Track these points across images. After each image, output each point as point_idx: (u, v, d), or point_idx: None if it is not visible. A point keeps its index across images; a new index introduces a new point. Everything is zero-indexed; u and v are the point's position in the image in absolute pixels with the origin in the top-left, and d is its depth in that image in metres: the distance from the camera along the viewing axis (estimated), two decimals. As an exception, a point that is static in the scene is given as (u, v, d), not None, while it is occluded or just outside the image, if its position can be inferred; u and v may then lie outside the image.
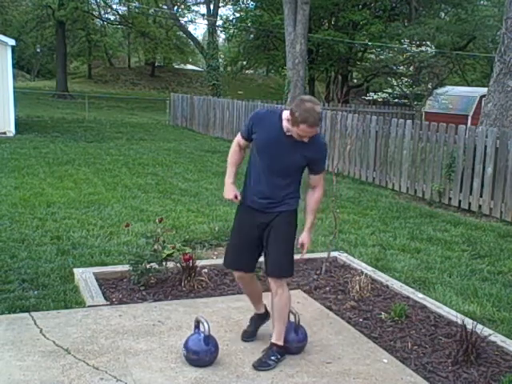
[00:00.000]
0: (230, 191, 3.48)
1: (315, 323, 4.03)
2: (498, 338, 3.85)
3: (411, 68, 19.17)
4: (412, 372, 3.43)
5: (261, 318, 3.80)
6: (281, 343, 3.47)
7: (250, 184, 3.46)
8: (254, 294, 3.74)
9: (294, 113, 3.16)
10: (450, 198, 8.68)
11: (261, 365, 3.38)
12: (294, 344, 3.58)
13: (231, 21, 36.76)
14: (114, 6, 40.71)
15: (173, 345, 3.60)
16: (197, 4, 43.34)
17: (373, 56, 24.53)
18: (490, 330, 3.98)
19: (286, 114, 3.31)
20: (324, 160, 3.45)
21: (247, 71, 43.68)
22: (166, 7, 36.35)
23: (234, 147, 3.58)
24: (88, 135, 15.93)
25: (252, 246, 3.48)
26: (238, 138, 3.55)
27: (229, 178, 3.52)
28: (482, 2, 31.02)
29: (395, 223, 7.32)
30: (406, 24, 29.91)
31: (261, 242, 3.47)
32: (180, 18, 39.55)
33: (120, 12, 41.14)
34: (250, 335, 3.75)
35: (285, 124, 3.31)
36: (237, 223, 3.58)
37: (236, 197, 3.47)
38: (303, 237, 3.49)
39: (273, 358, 3.42)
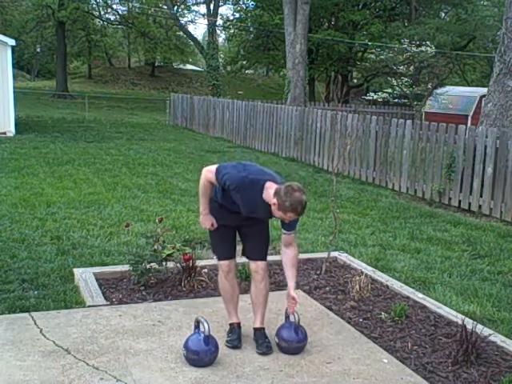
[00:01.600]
0: (207, 221, 3.63)
1: (315, 323, 4.03)
2: (497, 338, 3.84)
3: (411, 68, 19.17)
4: (412, 372, 3.43)
5: (240, 326, 3.75)
6: (263, 326, 3.70)
7: (219, 195, 3.54)
8: (235, 294, 3.75)
9: (283, 202, 3.20)
10: (450, 198, 8.68)
11: (268, 347, 3.56)
12: (293, 344, 3.57)
13: (231, 21, 36.78)
14: (114, 6, 40.74)
15: (173, 345, 3.60)
16: (197, 4, 43.36)
17: (373, 56, 24.51)
18: (490, 329, 3.98)
19: (269, 193, 3.28)
20: (297, 221, 3.51)
21: (247, 71, 43.68)
22: (165, 7, 36.35)
23: (205, 183, 3.50)
24: (88, 135, 15.93)
25: (232, 232, 3.69)
26: (212, 178, 3.43)
27: (204, 210, 3.62)
28: (481, 2, 31.01)
29: (395, 223, 7.32)
30: (406, 24, 29.94)
31: (237, 229, 3.69)
32: (180, 18, 39.56)
33: (120, 12, 41.18)
34: (238, 344, 3.65)
35: (265, 195, 3.32)
36: (216, 217, 3.63)
37: (212, 225, 3.63)
38: (291, 295, 3.50)
39: (267, 339, 3.61)
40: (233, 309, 3.76)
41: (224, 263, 3.69)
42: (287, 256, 3.55)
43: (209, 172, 3.46)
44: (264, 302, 3.69)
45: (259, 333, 3.65)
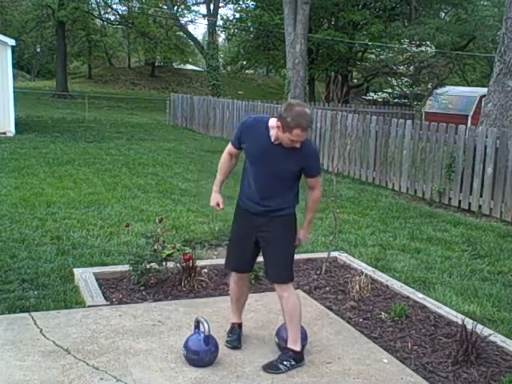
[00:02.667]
0: (213, 199, 3.58)
1: (315, 323, 4.03)
2: (497, 338, 3.85)
3: (411, 68, 19.17)
4: (412, 372, 3.43)
5: (240, 327, 3.74)
6: (296, 348, 3.39)
7: (245, 190, 3.46)
8: (243, 298, 3.69)
9: (284, 118, 3.10)
10: (450, 198, 8.68)
11: (270, 367, 3.34)
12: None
13: (231, 21, 36.78)
14: (114, 6, 40.75)
15: (173, 345, 3.60)
16: (197, 4, 43.36)
17: (373, 56, 24.51)
18: (490, 329, 3.98)
19: (272, 122, 3.27)
20: (317, 165, 3.40)
21: (247, 71, 43.69)
22: (166, 7, 36.36)
23: (224, 156, 3.59)
24: (88, 135, 15.93)
25: (250, 247, 3.47)
26: (229, 147, 3.55)
27: (215, 186, 3.61)
28: (481, 2, 31.01)
29: (395, 223, 7.32)
30: (406, 24, 29.93)
31: (258, 244, 3.45)
32: (180, 18, 39.56)
33: (120, 12, 41.20)
34: (237, 344, 3.62)
35: (272, 133, 3.26)
36: (235, 225, 3.57)
37: (218, 205, 3.55)
38: (299, 233, 3.49)
39: (285, 362, 3.35)
40: (236, 310, 3.73)
41: (234, 273, 3.61)
42: (307, 198, 3.45)
43: (228, 145, 3.56)
44: (289, 321, 3.39)
45: (284, 351, 3.44)
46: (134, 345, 3.59)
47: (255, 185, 3.38)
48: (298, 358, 3.40)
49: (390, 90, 19.88)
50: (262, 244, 3.42)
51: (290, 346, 3.40)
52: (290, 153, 3.25)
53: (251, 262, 3.56)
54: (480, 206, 8.17)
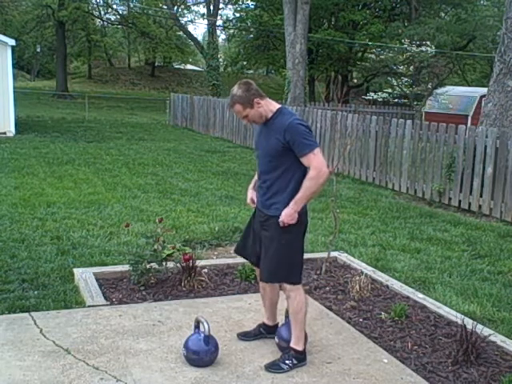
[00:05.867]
0: (248, 196, 3.62)
1: (315, 323, 4.03)
2: (497, 338, 3.85)
3: (411, 68, 19.18)
4: (412, 372, 3.43)
5: (266, 329, 3.74)
6: (298, 348, 3.40)
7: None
8: (266, 298, 3.65)
9: None
10: (449, 198, 8.68)
11: (272, 366, 3.35)
12: (293, 344, 3.57)
13: (231, 21, 36.78)
14: (115, 6, 40.74)
15: (173, 345, 3.60)
16: (197, 4, 43.38)
17: (373, 56, 24.53)
18: (490, 329, 3.98)
19: None
20: (300, 141, 3.19)
21: (247, 71, 43.68)
22: (166, 7, 36.37)
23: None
24: (88, 135, 15.93)
25: (255, 238, 3.50)
26: None
27: (249, 184, 3.67)
28: (481, 2, 31.03)
29: (395, 223, 7.32)
30: (406, 24, 29.93)
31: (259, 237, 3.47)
32: (180, 18, 39.57)
33: (120, 12, 41.19)
34: (246, 335, 3.73)
35: None
36: (251, 215, 3.66)
37: (253, 201, 3.57)
38: (285, 210, 3.29)
39: (287, 361, 3.35)
40: (264, 308, 3.75)
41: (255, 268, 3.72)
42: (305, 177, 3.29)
43: None
44: (293, 321, 3.39)
45: (286, 350, 3.43)
46: (134, 345, 3.59)
47: (258, 175, 3.48)
48: (300, 358, 3.40)
49: (390, 90, 19.90)
50: (262, 241, 3.41)
51: (292, 345, 3.41)
52: (273, 130, 3.29)
53: (254, 254, 3.51)
54: (480, 206, 8.17)
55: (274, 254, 3.31)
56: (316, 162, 3.18)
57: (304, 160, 3.22)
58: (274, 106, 3.38)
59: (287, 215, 3.24)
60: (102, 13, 42.45)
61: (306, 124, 3.30)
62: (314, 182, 3.19)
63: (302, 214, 3.32)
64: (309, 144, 3.20)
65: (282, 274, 3.34)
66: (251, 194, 3.59)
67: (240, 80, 3.39)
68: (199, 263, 4.83)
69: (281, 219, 3.26)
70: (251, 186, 3.64)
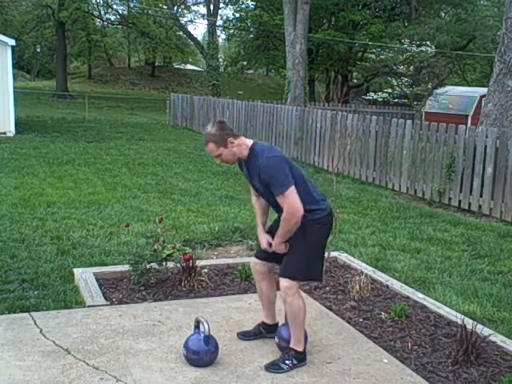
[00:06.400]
0: (263, 241, 3.49)
1: (315, 323, 4.03)
2: (497, 338, 3.84)
3: (411, 68, 19.18)
4: (412, 372, 3.43)
5: (265, 328, 3.74)
6: (298, 348, 3.40)
7: None
8: (263, 296, 3.67)
9: None
10: (450, 198, 8.68)
11: (272, 366, 3.35)
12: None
13: (231, 21, 36.79)
14: (115, 6, 40.75)
15: (173, 345, 3.60)
16: (197, 4, 43.39)
17: (373, 56, 24.53)
18: (490, 329, 3.98)
19: None
20: (274, 182, 3.20)
21: (247, 71, 43.70)
22: (166, 7, 36.37)
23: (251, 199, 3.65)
24: (88, 135, 15.93)
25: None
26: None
27: (257, 227, 3.58)
28: (482, 2, 31.04)
29: (395, 223, 7.31)
30: (406, 24, 29.95)
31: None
32: (180, 18, 39.57)
33: (120, 12, 41.20)
34: (245, 334, 3.73)
35: None
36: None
37: (270, 245, 3.45)
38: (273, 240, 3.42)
39: (287, 362, 3.35)
40: (262, 307, 3.76)
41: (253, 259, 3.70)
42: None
43: None
44: (291, 324, 3.38)
45: (286, 350, 3.43)
46: (134, 345, 3.59)
47: (274, 211, 3.50)
48: (300, 358, 3.40)
49: (389, 90, 19.89)
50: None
51: (292, 346, 3.41)
52: (254, 171, 3.32)
53: (263, 251, 3.52)
54: (480, 206, 8.17)
55: (295, 253, 3.35)
56: (287, 204, 3.21)
57: (278, 200, 3.27)
58: (247, 144, 3.35)
59: (275, 245, 3.39)
60: (102, 13, 42.45)
61: (276, 159, 3.25)
62: (286, 224, 3.26)
63: (322, 218, 3.37)
64: (279, 185, 3.21)
65: (296, 272, 3.36)
66: (266, 238, 3.48)
67: (214, 120, 3.39)
68: (199, 263, 4.82)
69: (272, 247, 3.41)
70: (260, 229, 3.53)
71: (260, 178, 3.28)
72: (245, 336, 3.72)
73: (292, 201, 3.19)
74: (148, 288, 4.57)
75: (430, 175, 9.05)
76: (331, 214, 3.45)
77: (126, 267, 4.77)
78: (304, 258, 3.36)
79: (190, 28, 74.37)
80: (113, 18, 43.55)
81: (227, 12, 69.13)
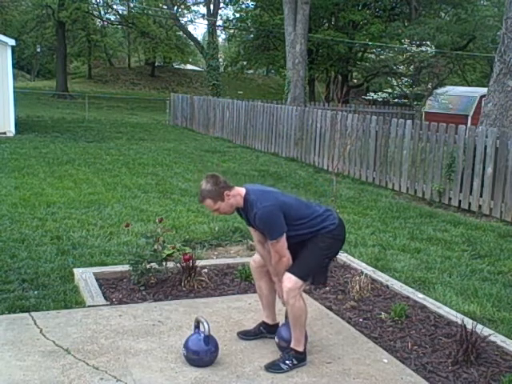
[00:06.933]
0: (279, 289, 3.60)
1: (315, 323, 4.03)
2: (497, 338, 3.84)
3: (411, 68, 19.18)
4: (412, 372, 3.43)
5: (265, 328, 3.74)
6: (298, 348, 3.40)
7: None
8: (262, 296, 3.70)
9: None
10: (450, 198, 8.68)
11: (272, 367, 3.35)
12: (293, 344, 3.57)
13: (231, 21, 36.80)
14: (115, 6, 40.76)
15: (173, 345, 3.60)
16: (197, 4, 43.38)
17: (373, 56, 24.54)
18: (490, 329, 3.98)
19: None
20: (267, 230, 3.32)
21: (247, 71, 43.71)
22: (166, 7, 36.37)
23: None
24: (88, 135, 15.93)
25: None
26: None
27: (273, 278, 3.63)
28: (482, 2, 31.04)
29: (395, 223, 7.31)
30: (406, 24, 29.95)
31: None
32: (180, 18, 39.58)
33: (120, 12, 41.21)
34: (246, 334, 3.74)
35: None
36: None
37: None
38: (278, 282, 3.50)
39: (287, 362, 3.36)
40: (262, 307, 3.78)
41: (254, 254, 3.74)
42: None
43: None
44: (292, 325, 3.39)
45: (286, 350, 3.44)
46: (134, 345, 3.59)
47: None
48: (300, 358, 3.41)
49: (390, 90, 19.89)
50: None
51: (293, 346, 3.41)
52: (249, 217, 3.40)
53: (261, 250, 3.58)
54: (480, 206, 8.17)
55: (305, 256, 3.41)
56: (275, 250, 3.34)
57: (269, 244, 3.38)
58: (241, 194, 3.39)
59: (279, 282, 3.47)
60: (102, 13, 42.46)
61: (269, 209, 3.29)
62: (278, 265, 3.40)
63: (334, 230, 3.43)
64: (271, 234, 3.32)
65: (301, 272, 3.38)
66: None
67: (207, 175, 3.39)
68: (199, 263, 4.83)
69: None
70: (276, 281, 3.56)
71: (257, 225, 3.38)
72: (245, 335, 3.73)
73: (280, 248, 3.33)
74: (148, 288, 4.57)
75: (430, 175, 9.05)
76: (342, 224, 3.50)
77: (126, 267, 4.77)
78: (313, 263, 3.43)
79: (190, 28, 74.46)
80: (113, 18, 43.59)
81: (227, 12, 69.08)
